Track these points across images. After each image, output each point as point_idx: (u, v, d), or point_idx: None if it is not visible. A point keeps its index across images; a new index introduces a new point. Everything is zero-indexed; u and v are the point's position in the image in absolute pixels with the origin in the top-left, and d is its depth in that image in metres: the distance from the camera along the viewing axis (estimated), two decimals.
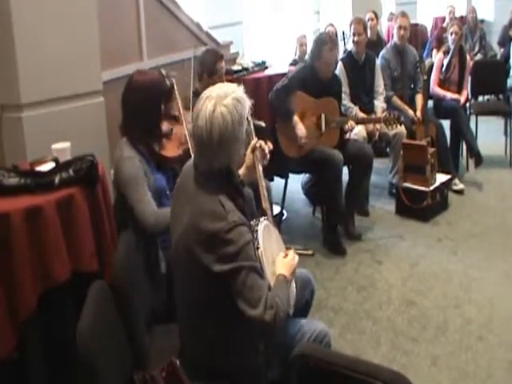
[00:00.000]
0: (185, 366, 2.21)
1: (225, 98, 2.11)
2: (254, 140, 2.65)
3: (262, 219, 2.42)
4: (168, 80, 3.56)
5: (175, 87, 3.57)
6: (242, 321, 2.11)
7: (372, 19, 7.11)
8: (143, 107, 3.03)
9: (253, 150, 2.63)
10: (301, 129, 4.61)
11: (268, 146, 4.32)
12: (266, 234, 2.35)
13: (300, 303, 2.60)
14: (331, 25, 7.78)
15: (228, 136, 2.10)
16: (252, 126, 2.66)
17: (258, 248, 2.23)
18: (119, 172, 2.94)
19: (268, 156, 2.75)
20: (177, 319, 2.38)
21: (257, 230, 2.29)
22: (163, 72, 3.68)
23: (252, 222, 2.33)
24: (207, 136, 2.08)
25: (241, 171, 2.61)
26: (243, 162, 2.64)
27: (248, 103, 2.20)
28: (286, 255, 2.38)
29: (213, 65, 4.26)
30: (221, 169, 2.16)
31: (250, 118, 2.50)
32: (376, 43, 6.95)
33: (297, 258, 2.39)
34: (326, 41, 4.72)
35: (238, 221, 2.10)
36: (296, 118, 4.61)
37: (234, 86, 2.23)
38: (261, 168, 2.66)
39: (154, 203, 2.88)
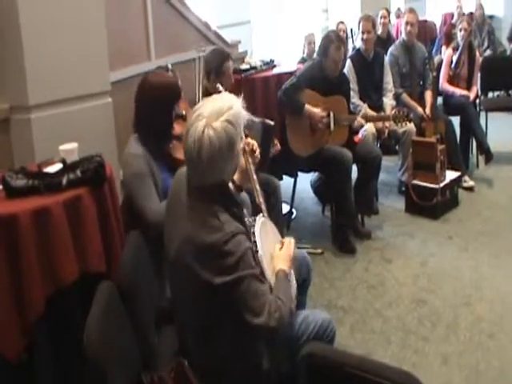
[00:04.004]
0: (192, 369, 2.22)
1: (216, 120, 2.04)
2: (245, 140, 2.52)
3: (257, 218, 2.41)
4: (172, 72, 3.57)
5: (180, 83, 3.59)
6: (248, 331, 2.12)
7: (385, 16, 7.06)
8: (156, 109, 3.04)
9: (243, 152, 2.51)
10: (317, 112, 4.61)
11: (276, 148, 4.34)
12: (262, 233, 2.34)
13: (298, 282, 2.56)
14: (341, 22, 7.75)
15: (217, 158, 2.05)
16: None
17: (257, 251, 2.21)
18: (125, 168, 3.00)
19: (257, 151, 2.69)
20: (178, 328, 2.38)
21: (254, 232, 2.28)
22: (169, 66, 3.68)
23: (248, 221, 2.33)
24: (196, 156, 2.04)
25: (235, 176, 2.53)
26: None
27: (243, 118, 2.15)
28: (282, 245, 2.38)
29: (220, 66, 4.21)
30: (212, 185, 2.13)
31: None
32: (386, 40, 6.91)
33: (292, 241, 2.40)
34: (333, 39, 4.71)
35: (235, 230, 2.07)
36: (308, 106, 4.61)
37: (230, 100, 2.14)
38: (252, 166, 2.62)
39: (157, 201, 2.90)
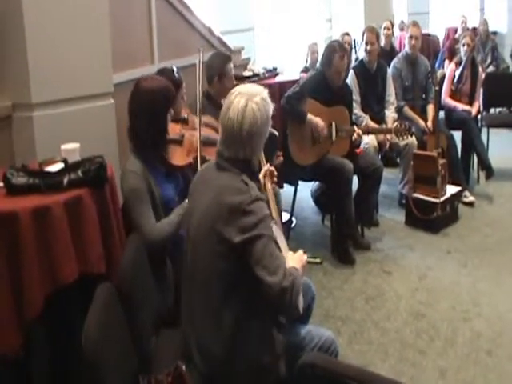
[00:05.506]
0: (192, 368, 2.21)
1: (255, 97, 2.26)
2: (267, 166, 2.72)
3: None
4: (177, 74, 3.55)
5: (183, 83, 3.57)
6: (261, 306, 2.18)
7: (388, 28, 7.05)
8: (149, 115, 2.96)
9: (264, 175, 2.68)
10: (318, 121, 4.59)
11: (278, 160, 4.32)
12: (277, 234, 2.35)
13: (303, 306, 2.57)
14: (347, 34, 7.75)
15: (256, 130, 2.25)
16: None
17: None
18: (122, 182, 2.94)
19: (275, 178, 2.80)
20: (184, 318, 2.37)
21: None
22: (173, 67, 3.65)
23: None
24: (238, 127, 2.22)
25: None
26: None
27: (271, 105, 2.35)
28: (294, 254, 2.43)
29: (222, 67, 4.24)
30: (243, 159, 2.29)
31: None
32: (389, 53, 6.91)
33: (305, 257, 2.43)
34: (337, 49, 4.70)
35: (259, 196, 2.23)
36: (310, 115, 4.59)
37: (261, 87, 2.37)
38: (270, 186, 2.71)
39: (153, 219, 2.86)
